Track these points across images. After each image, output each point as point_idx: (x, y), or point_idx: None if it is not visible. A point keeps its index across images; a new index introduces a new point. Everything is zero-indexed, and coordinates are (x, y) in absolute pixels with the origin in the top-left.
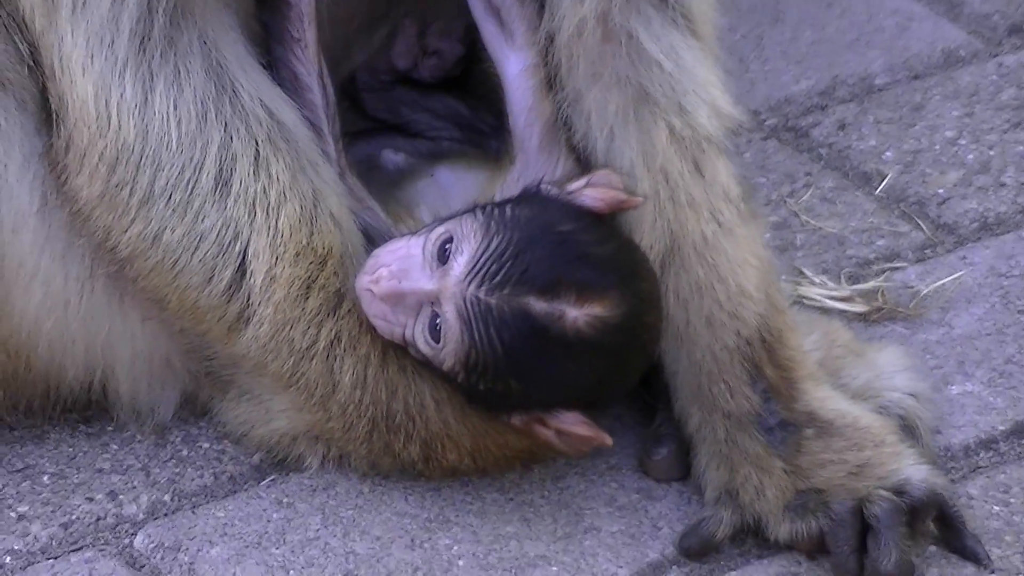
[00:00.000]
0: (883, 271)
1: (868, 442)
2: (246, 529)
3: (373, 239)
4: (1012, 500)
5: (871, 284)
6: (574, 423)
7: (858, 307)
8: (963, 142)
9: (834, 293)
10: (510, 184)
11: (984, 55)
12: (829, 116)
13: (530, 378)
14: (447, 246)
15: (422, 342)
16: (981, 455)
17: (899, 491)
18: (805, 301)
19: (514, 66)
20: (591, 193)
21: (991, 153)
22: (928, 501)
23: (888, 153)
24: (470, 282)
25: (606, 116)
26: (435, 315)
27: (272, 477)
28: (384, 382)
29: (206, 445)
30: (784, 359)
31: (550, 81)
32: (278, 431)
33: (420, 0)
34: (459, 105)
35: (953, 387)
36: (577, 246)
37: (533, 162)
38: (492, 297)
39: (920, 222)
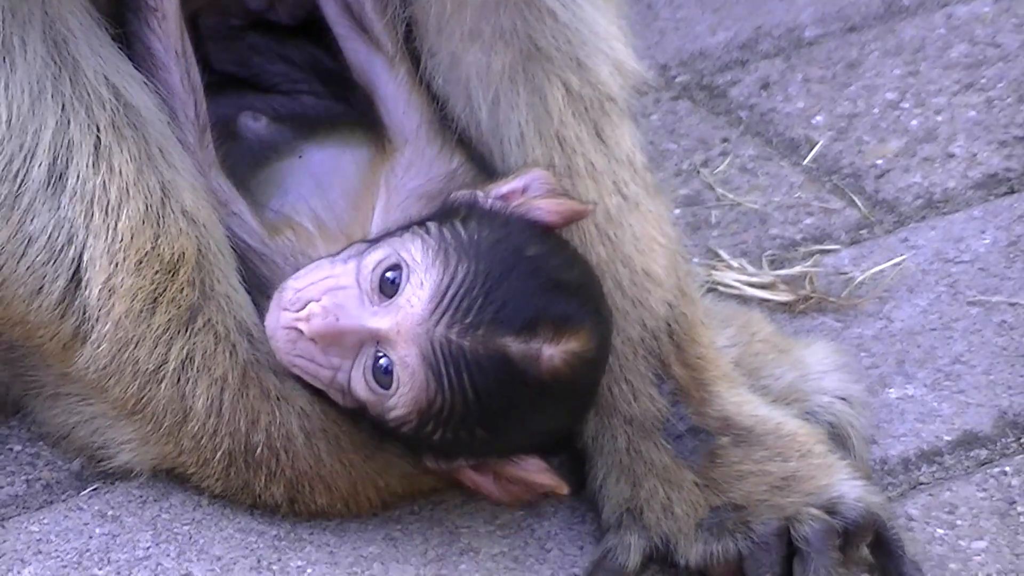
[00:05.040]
0: (811, 254)
1: (793, 452)
2: (64, 546)
3: (240, 250)
4: (959, 522)
5: (797, 269)
6: (536, 471)
7: (782, 296)
8: (906, 106)
9: (754, 279)
10: (400, 174)
11: (931, 5)
12: (750, 73)
13: (500, 425)
14: (391, 275)
15: (362, 388)
16: (923, 470)
17: (831, 510)
18: (720, 288)
19: (382, 69)
20: (543, 205)
21: (938, 119)
22: (864, 523)
23: (818, 117)
24: (437, 321)
25: (489, 79)
26: (379, 355)
27: (95, 486)
28: (243, 408)
29: (18, 447)
30: (694, 356)
31: (416, 59)
32: (121, 467)
33: None
34: (321, 54)
35: (891, 390)
36: (549, 274)
37: (426, 152)
38: (465, 339)
39: (855, 198)
